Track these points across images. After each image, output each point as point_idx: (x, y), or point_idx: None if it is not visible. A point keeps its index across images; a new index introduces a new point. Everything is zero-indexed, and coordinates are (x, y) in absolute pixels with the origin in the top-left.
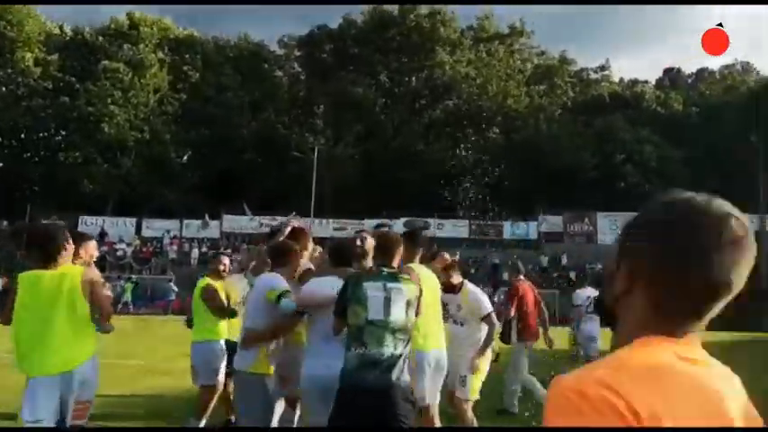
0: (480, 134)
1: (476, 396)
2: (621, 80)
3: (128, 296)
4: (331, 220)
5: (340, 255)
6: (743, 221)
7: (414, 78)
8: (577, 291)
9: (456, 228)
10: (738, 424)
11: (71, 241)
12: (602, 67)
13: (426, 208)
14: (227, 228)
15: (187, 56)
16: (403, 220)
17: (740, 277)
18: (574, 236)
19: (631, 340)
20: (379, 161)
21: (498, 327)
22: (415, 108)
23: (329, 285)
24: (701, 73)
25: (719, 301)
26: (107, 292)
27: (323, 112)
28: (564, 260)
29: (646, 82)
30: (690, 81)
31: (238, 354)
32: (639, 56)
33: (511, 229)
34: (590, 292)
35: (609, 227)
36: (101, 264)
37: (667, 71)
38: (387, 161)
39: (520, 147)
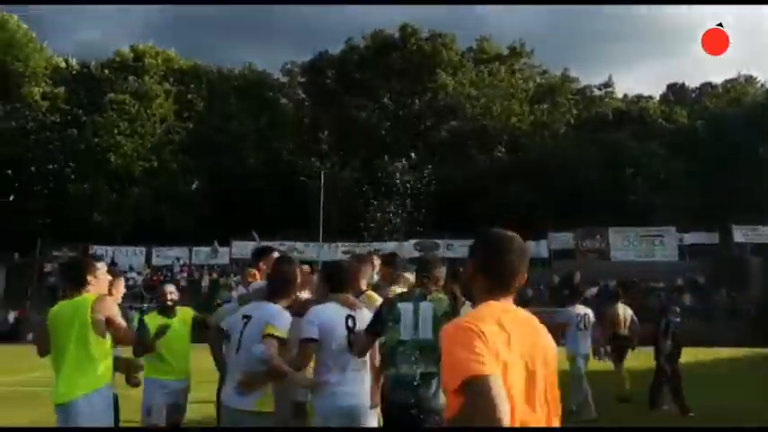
0: (486, 154)
1: None
2: (626, 96)
3: (134, 325)
4: (339, 244)
5: (338, 279)
6: (521, 241)
7: (417, 101)
8: (568, 308)
9: (465, 248)
10: (549, 352)
11: (99, 274)
12: (606, 84)
13: (435, 228)
14: (236, 254)
15: (192, 86)
16: (413, 241)
17: (524, 269)
18: (586, 252)
19: (479, 303)
20: (387, 184)
21: None
22: (420, 130)
23: (335, 314)
24: (705, 87)
25: (516, 282)
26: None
27: (328, 137)
28: (577, 278)
29: (650, 97)
30: (694, 95)
31: (234, 392)
32: (642, 72)
33: None
34: (581, 310)
35: (621, 242)
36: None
37: (671, 86)
38: (393, 183)
39: (526, 165)
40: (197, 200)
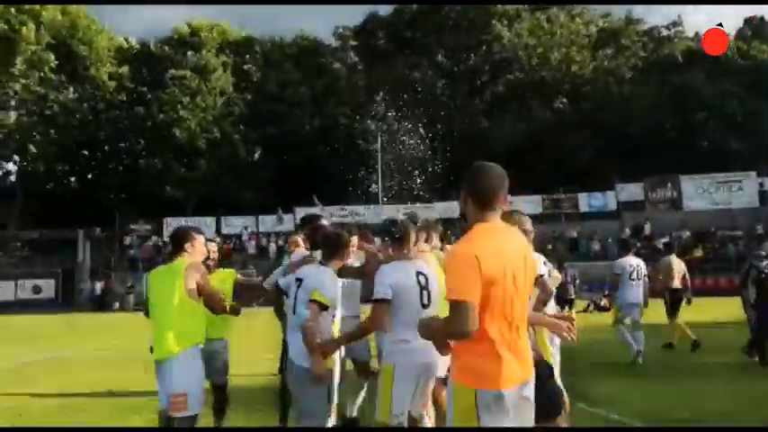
0: (546, 105)
1: None
2: (696, 35)
3: None
4: (400, 206)
5: (400, 238)
6: (499, 168)
7: (472, 55)
8: (618, 260)
9: (527, 204)
10: (529, 260)
11: (196, 243)
12: (674, 23)
13: None
14: (299, 220)
15: (247, 56)
16: None
17: (504, 192)
18: (656, 203)
19: (473, 225)
20: (445, 143)
21: None
22: (476, 86)
23: (406, 272)
24: None
25: (498, 202)
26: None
27: (383, 99)
28: (647, 230)
29: (726, 34)
30: None
31: (299, 350)
32: (714, 8)
33: (587, 201)
34: (632, 261)
35: (695, 191)
36: None
37: (748, 20)
38: (452, 142)
39: (589, 114)
40: (259, 169)
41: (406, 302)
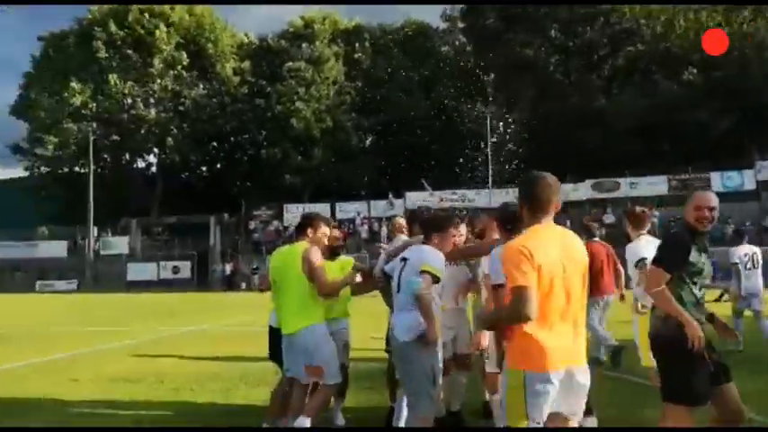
0: (673, 78)
1: None
2: None
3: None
4: (510, 190)
5: (512, 221)
6: (551, 177)
7: (588, 28)
8: (732, 248)
9: (653, 185)
10: (577, 254)
11: (318, 230)
12: None
13: (615, 167)
14: (410, 205)
15: (357, 45)
16: (589, 182)
17: (556, 198)
18: None
19: (527, 227)
20: (557, 123)
21: None
22: (592, 60)
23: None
24: None
25: (551, 207)
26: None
27: (493, 80)
28: None
29: None
30: None
31: (399, 327)
32: None
33: (721, 181)
34: (747, 249)
35: None
36: None
37: None
38: (566, 121)
39: (723, 84)
40: (370, 155)
41: None
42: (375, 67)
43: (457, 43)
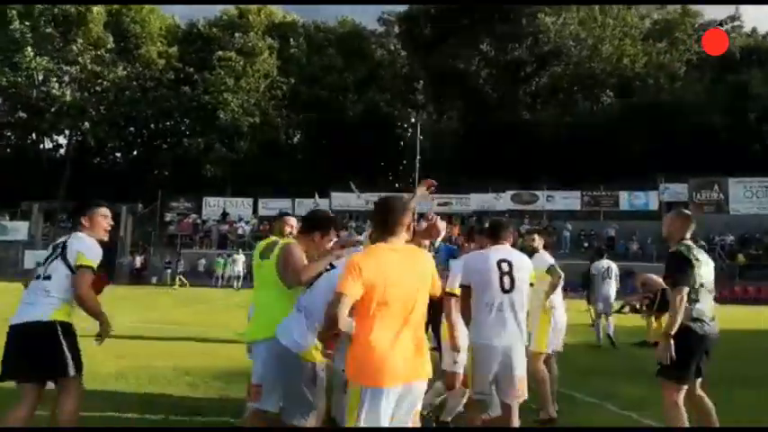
0: (593, 98)
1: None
2: (754, 30)
3: (220, 271)
4: (436, 196)
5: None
6: (400, 201)
7: (518, 45)
8: (594, 263)
9: (567, 200)
10: (415, 272)
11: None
12: (733, 18)
13: (535, 180)
14: (336, 205)
15: (292, 40)
16: (510, 193)
17: (405, 220)
18: (701, 205)
19: (374, 245)
20: (484, 134)
21: None
22: (520, 76)
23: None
24: None
25: (398, 229)
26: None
27: (425, 87)
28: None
29: None
30: None
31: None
32: None
33: (628, 200)
34: (605, 263)
35: (743, 194)
36: (223, 242)
37: None
38: (491, 133)
39: (637, 110)
40: (298, 152)
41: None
42: (309, 64)
43: (392, 47)
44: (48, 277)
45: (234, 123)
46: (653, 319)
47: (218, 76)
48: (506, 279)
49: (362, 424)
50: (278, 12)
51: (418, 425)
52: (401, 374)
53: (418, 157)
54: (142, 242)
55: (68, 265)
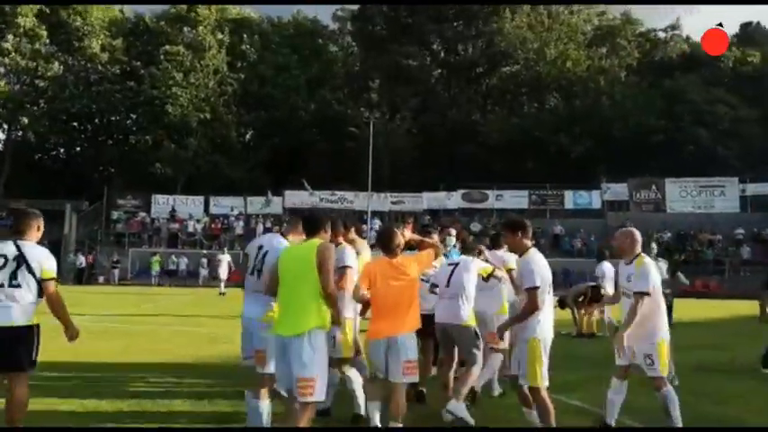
0: (539, 101)
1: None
2: (689, 38)
3: (155, 269)
4: (389, 194)
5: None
6: (389, 230)
7: (470, 46)
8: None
9: (515, 198)
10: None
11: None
12: (672, 27)
13: (485, 179)
14: (288, 204)
15: (245, 36)
16: (461, 192)
17: (393, 244)
18: (640, 204)
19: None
20: (436, 133)
21: None
22: (471, 77)
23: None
24: None
25: (391, 250)
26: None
27: (378, 86)
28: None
29: None
30: None
31: None
32: (713, 11)
33: (573, 199)
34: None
35: (678, 193)
36: (173, 240)
37: (745, 26)
38: (444, 133)
39: (581, 112)
40: (251, 150)
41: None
42: (262, 61)
43: (346, 45)
44: (17, 286)
45: (183, 119)
46: (582, 312)
47: (165, 71)
48: None
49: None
50: (229, 7)
51: None
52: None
53: (371, 156)
54: (88, 241)
55: (34, 275)
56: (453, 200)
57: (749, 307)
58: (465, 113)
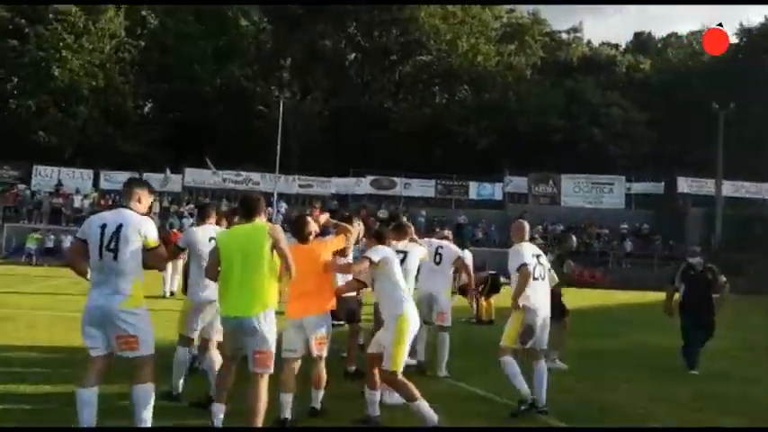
0: (449, 92)
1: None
2: (589, 43)
3: (30, 246)
4: (297, 177)
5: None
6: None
7: (385, 33)
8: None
9: (422, 187)
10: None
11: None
12: (575, 29)
13: (394, 166)
14: (189, 182)
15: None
16: (370, 178)
17: (301, 232)
18: (538, 197)
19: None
20: (348, 117)
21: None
22: (385, 64)
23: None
24: (670, 38)
25: (302, 235)
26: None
27: (290, 65)
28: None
29: (617, 45)
30: (659, 45)
31: None
32: (613, 18)
33: (477, 190)
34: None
35: (572, 189)
36: (56, 216)
37: (638, 35)
38: (355, 118)
39: (488, 106)
40: (149, 123)
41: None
42: (163, 28)
43: (257, 20)
44: None
45: (72, 85)
46: (483, 300)
47: (54, 31)
48: None
49: None
50: None
51: None
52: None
53: (279, 136)
54: None
55: None
56: (362, 186)
57: (631, 297)
58: (377, 100)
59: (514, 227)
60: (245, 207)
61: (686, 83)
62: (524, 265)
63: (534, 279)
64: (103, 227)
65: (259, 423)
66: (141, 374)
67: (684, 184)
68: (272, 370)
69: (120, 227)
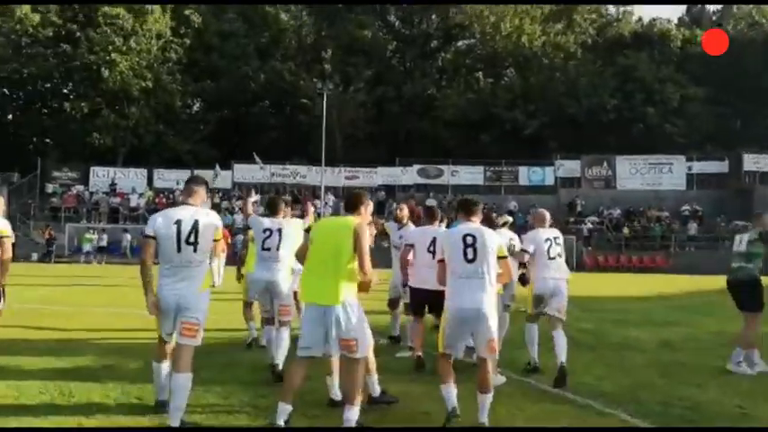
0: (494, 76)
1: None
2: (640, 19)
3: (87, 246)
4: (343, 169)
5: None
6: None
7: (425, 19)
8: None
9: (471, 174)
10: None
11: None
12: (625, 2)
13: (440, 154)
14: (238, 177)
15: None
16: (416, 167)
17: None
18: (591, 180)
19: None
20: (391, 107)
21: None
22: (427, 50)
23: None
24: (727, 9)
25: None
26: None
27: (331, 57)
28: (579, 206)
29: (668, 20)
30: (715, 18)
31: None
32: None
33: (527, 175)
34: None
35: (629, 170)
36: (114, 215)
37: (691, 8)
38: (398, 107)
39: (536, 89)
40: (198, 121)
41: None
42: (207, 28)
43: (297, 14)
44: None
45: (123, 86)
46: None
47: (103, 35)
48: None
49: None
50: None
51: None
52: None
53: (324, 129)
54: (21, 215)
55: None
56: (408, 175)
57: (696, 282)
58: (420, 87)
59: (537, 215)
60: (346, 200)
61: (745, 54)
62: (524, 251)
63: (550, 258)
64: (179, 222)
65: (357, 403)
66: (183, 363)
67: (750, 161)
68: (361, 354)
69: (197, 222)
